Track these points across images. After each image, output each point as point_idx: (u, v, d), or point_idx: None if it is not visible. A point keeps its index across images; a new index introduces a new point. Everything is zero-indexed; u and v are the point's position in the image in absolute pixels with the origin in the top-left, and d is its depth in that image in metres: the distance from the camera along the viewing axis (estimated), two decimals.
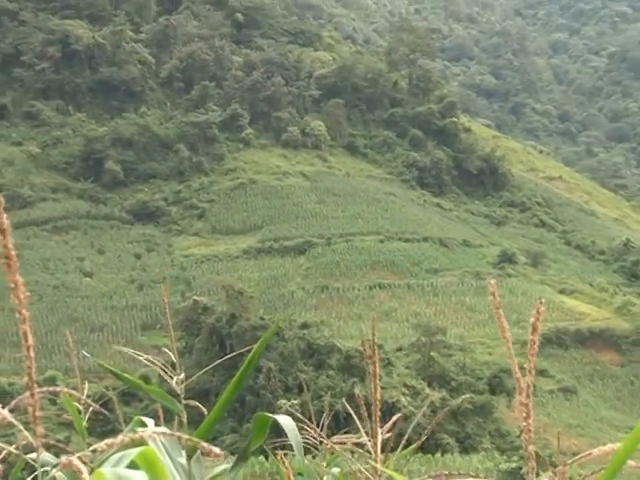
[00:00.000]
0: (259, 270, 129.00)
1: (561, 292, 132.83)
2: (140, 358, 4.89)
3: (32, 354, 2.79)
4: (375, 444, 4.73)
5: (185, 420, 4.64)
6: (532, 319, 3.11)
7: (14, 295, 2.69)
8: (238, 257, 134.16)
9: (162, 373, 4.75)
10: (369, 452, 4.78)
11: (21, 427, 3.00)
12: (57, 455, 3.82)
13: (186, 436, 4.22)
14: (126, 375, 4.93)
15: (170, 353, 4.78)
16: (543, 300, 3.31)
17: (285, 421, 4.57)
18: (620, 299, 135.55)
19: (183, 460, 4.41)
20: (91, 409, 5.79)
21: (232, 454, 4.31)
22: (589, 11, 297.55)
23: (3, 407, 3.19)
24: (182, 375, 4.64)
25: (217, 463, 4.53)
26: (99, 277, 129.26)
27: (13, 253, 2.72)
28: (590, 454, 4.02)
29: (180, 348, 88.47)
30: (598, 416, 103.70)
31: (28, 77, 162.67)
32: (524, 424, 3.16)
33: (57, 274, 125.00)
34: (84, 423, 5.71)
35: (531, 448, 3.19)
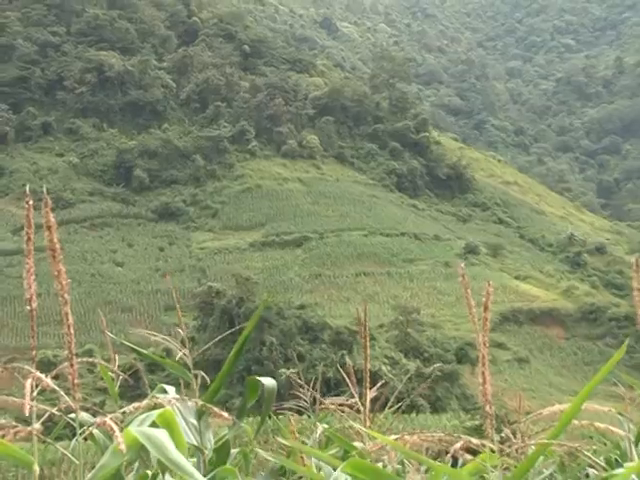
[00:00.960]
0: (263, 260, 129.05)
1: (516, 278, 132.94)
2: (157, 337, 4.90)
3: (72, 331, 2.79)
4: (364, 405, 4.74)
5: (196, 387, 4.64)
6: (484, 299, 3.11)
7: (57, 282, 2.69)
8: (245, 249, 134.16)
9: (175, 348, 4.76)
10: (358, 411, 4.78)
11: (62, 392, 3.00)
12: (94, 416, 3.81)
13: (194, 401, 4.24)
14: (142, 351, 4.95)
15: (181, 331, 4.78)
16: (492, 282, 3.31)
17: (267, 382, 4.62)
18: (565, 284, 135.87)
19: (194, 420, 4.42)
20: (122, 377, 5.80)
21: (237, 413, 4.30)
22: (539, 43, 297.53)
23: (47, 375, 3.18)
24: (187, 349, 4.65)
25: (227, 420, 4.52)
26: (129, 266, 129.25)
27: (57, 246, 2.72)
28: (541, 413, 4.02)
29: (197, 326, 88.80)
30: (547, 381, 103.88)
31: (69, 99, 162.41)
32: (482, 388, 3.15)
33: (94, 264, 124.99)
34: (116, 389, 5.72)
35: (489, 407, 3.18)
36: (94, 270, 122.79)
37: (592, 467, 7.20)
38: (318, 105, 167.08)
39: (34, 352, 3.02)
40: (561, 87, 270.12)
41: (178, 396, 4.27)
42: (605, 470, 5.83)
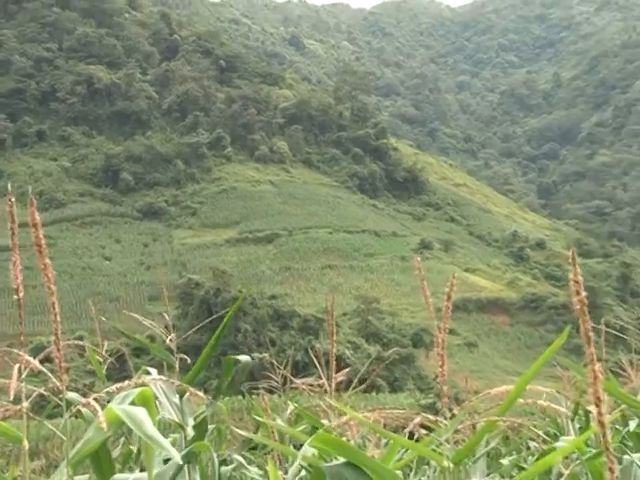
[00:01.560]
0: (238, 255, 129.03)
1: (466, 270, 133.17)
2: (145, 323, 4.89)
3: (58, 318, 2.78)
4: (330, 385, 4.74)
5: (178, 369, 4.65)
6: (447, 289, 3.11)
7: (44, 274, 2.67)
8: (222, 245, 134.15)
9: (160, 334, 4.76)
10: (325, 391, 4.78)
11: (49, 374, 2.97)
12: (84, 396, 3.78)
13: (176, 382, 4.23)
14: (132, 335, 4.95)
15: (166, 317, 4.78)
16: (456, 275, 3.30)
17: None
18: (509, 276, 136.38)
19: (176, 399, 4.41)
20: (109, 361, 5.79)
21: (214, 394, 4.30)
22: (486, 59, 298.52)
23: (34, 358, 3.16)
24: (173, 334, 4.67)
25: (202, 399, 4.52)
26: (116, 260, 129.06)
27: (43, 242, 2.71)
28: (489, 393, 4.01)
29: (177, 314, 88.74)
30: (493, 364, 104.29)
31: (61, 109, 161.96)
32: (439, 370, 3.14)
33: (84, 258, 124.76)
34: (104, 371, 5.70)
35: (445, 388, 3.17)
36: (84, 264, 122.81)
37: (533, 440, 7.22)
38: (287, 115, 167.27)
39: (22, 338, 3.01)
40: (505, 99, 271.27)
41: (163, 377, 4.31)
42: (545, 443, 5.85)
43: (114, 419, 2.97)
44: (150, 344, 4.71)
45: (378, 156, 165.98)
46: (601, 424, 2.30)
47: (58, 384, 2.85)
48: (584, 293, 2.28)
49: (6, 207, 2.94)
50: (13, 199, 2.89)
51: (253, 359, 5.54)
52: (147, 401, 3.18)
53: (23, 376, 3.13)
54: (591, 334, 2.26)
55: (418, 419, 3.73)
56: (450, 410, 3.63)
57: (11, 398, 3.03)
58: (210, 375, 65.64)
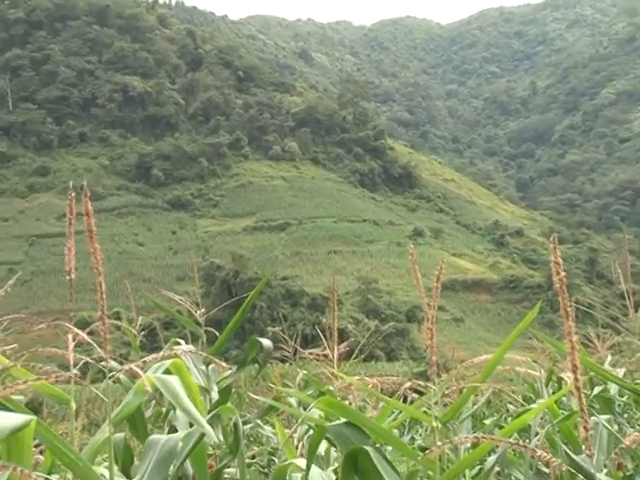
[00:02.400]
0: (254, 241, 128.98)
1: (453, 255, 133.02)
2: (175, 298, 4.92)
3: (104, 297, 2.79)
4: (334, 355, 4.76)
5: (204, 340, 4.68)
6: (436, 272, 3.14)
7: (93, 257, 2.69)
8: (240, 233, 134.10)
9: (187, 309, 4.80)
10: (330, 360, 4.80)
11: (95, 345, 2.99)
12: (120, 364, 3.80)
13: (203, 354, 4.25)
14: (168, 308, 4.98)
15: (197, 293, 4.81)
16: (445, 260, 3.33)
17: (265, 342, 4.64)
18: (491, 259, 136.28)
19: (203, 367, 4.43)
20: (142, 333, 5.81)
21: (236, 363, 4.30)
22: (471, 70, 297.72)
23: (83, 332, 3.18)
24: (202, 310, 4.70)
25: (226, 369, 4.55)
26: (148, 246, 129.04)
27: (94, 229, 2.73)
28: (472, 362, 4.03)
29: (201, 293, 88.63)
30: (477, 336, 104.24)
31: (100, 114, 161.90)
32: (429, 342, 3.15)
33: (120, 244, 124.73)
34: (137, 343, 5.73)
35: (434, 358, 3.19)
36: (121, 249, 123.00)
37: (511, 403, 7.23)
38: (297, 119, 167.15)
39: (72, 313, 3.03)
40: (488, 105, 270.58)
41: (193, 347, 4.38)
42: (522, 405, 5.86)
43: (150, 385, 2.99)
44: (182, 318, 4.75)
45: (377, 155, 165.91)
46: (577, 389, 2.31)
47: (103, 354, 2.87)
48: (563, 273, 2.30)
49: (64, 201, 2.95)
50: (73, 193, 2.90)
51: (268, 332, 5.56)
52: (180, 371, 3.20)
53: (72, 346, 3.16)
54: (569, 309, 2.28)
55: (408, 384, 3.77)
56: (439, 376, 3.64)
57: (72, 365, 3.05)
58: (230, 346, 65.72)
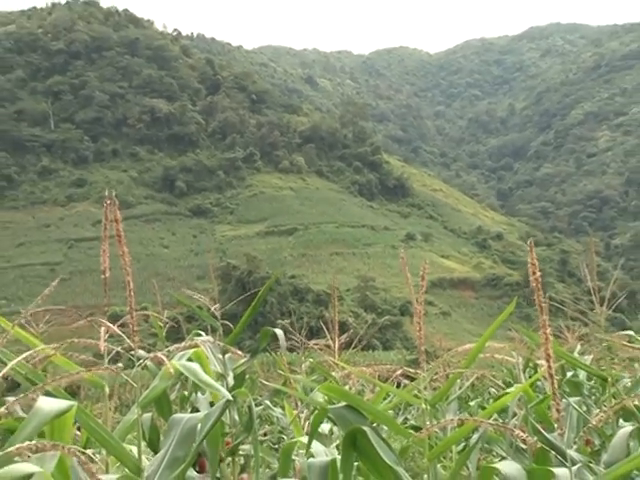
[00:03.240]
0: (265, 244, 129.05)
1: (441, 256, 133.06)
2: (195, 296, 4.94)
3: (132, 293, 2.79)
4: (335, 345, 4.77)
5: (221, 332, 4.70)
6: (421, 272, 3.16)
7: (122, 259, 2.70)
8: (253, 237, 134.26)
9: (206, 304, 4.82)
10: (332, 350, 4.80)
11: (124, 336, 2.99)
12: (148, 352, 3.80)
13: (221, 343, 4.25)
14: (189, 304, 5.00)
15: (215, 289, 4.83)
16: (433, 261, 3.35)
17: (278, 332, 4.65)
18: (475, 260, 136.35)
19: (220, 356, 4.44)
20: (167, 325, 5.83)
21: (249, 352, 4.30)
22: (456, 93, 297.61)
23: (113, 324, 3.19)
24: (217, 305, 4.72)
25: (241, 357, 4.55)
26: (172, 249, 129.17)
27: (122, 234, 2.73)
28: (457, 350, 4.03)
29: (219, 290, 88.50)
30: (463, 328, 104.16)
31: (131, 132, 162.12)
32: (418, 334, 3.16)
33: (148, 247, 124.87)
34: (163, 334, 5.74)
35: (423, 347, 3.19)
36: (148, 251, 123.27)
37: (493, 387, 7.22)
38: (303, 136, 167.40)
39: (105, 308, 3.04)
40: (471, 124, 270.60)
41: (211, 338, 4.49)
42: (502, 389, 5.86)
43: (175, 371, 3.00)
44: (201, 312, 4.77)
45: (373, 168, 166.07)
46: (550, 375, 2.31)
47: (131, 344, 2.88)
48: (539, 273, 2.30)
49: (99, 209, 3.00)
50: (109, 201, 2.92)
51: (278, 325, 5.55)
52: (200, 359, 3.23)
53: (105, 337, 3.16)
54: (543, 305, 2.28)
55: (399, 371, 3.77)
56: (428, 363, 3.64)
57: (103, 353, 3.06)
58: (244, 337, 65.85)
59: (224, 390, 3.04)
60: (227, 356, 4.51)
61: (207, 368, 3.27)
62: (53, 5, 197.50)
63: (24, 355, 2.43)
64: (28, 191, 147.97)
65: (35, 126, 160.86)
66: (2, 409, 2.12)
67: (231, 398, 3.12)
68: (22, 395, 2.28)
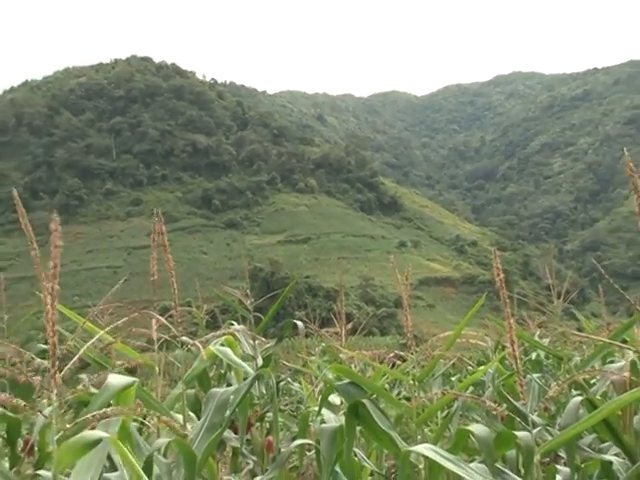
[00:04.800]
0: (285, 251, 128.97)
1: (428, 260, 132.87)
2: (234, 293, 4.95)
3: (176, 291, 2.79)
4: (342, 332, 4.77)
5: (252, 322, 4.70)
6: (405, 274, 3.20)
7: (167, 264, 2.70)
8: (275, 245, 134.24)
9: (241, 299, 4.81)
10: (340, 336, 4.80)
11: (170, 326, 2.99)
12: (191, 339, 3.80)
13: (250, 332, 4.24)
14: (227, 299, 5.01)
15: (247, 289, 4.82)
16: (410, 267, 3.37)
17: (299, 323, 4.65)
18: (455, 262, 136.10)
19: (251, 341, 4.44)
20: (207, 316, 5.83)
21: (273, 337, 4.32)
22: (439, 128, 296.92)
23: (162, 317, 3.19)
24: (251, 300, 4.72)
25: (267, 343, 4.55)
26: (209, 255, 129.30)
27: (167, 243, 2.73)
28: (440, 336, 4.02)
29: (248, 288, 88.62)
30: (445, 318, 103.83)
31: (176, 161, 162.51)
32: (406, 323, 3.16)
33: (190, 253, 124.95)
34: (203, 323, 5.75)
35: (410, 334, 3.19)
36: (190, 257, 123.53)
37: (470, 365, 7.19)
38: (315, 163, 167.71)
39: (155, 304, 3.04)
40: (451, 152, 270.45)
41: (244, 327, 4.44)
42: (477, 366, 5.85)
43: (211, 354, 3.01)
44: (237, 305, 4.79)
45: (372, 188, 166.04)
46: (514, 356, 2.29)
47: (175, 332, 2.88)
48: (502, 275, 2.30)
49: (153, 224, 2.98)
50: (161, 216, 2.93)
51: (295, 316, 5.53)
52: (231, 344, 3.23)
53: (156, 327, 3.16)
54: (508, 299, 2.28)
55: (392, 354, 3.81)
56: (417, 346, 3.65)
57: (155, 341, 3.06)
58: (269, 325, 65.86)
59: (247, 367, 3.07)
60: (257, 342, 4.52)
61: (236, 350, 3.27)
62: (116, 61, 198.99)
63: (91, 341, 2.44)
64: (95, 209, 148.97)
65: (101, 157, 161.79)
66: (80, 386, 2.12)
67: (253, 373, 3.14)
68: (96, 374, 2.32)
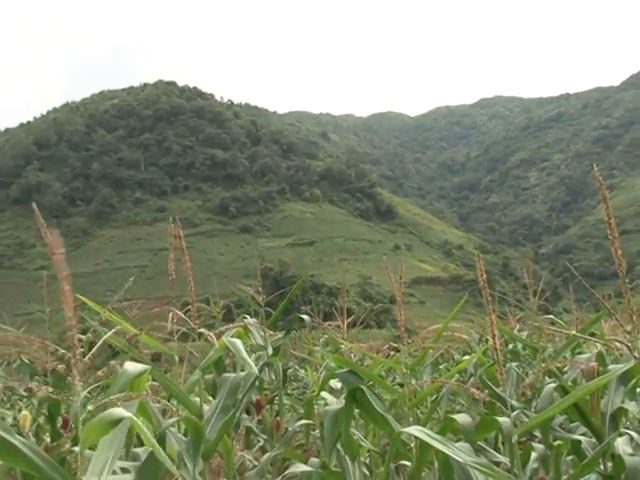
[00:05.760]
0: (293, 252, 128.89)
1: (419, 261, 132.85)
2: (246, 289, 4.94)
3: (193, 288, 2.79)
4: (344, 326, 4.77)
5: (264, 316, 4.69)
6: (399, 273, 3.19)
7: (185, 265, 2.70)
8: (284, 247, 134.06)
9: (254, 295, 4.80)
10: (341, 329, 4.80)
11: (187, 319, 2.99)
12: (209, 330, 3.79)
13: (260, 326, 4.23)
14: (242, 295, 5.00)
15: (260, 286, 4.80)
16: (403, 267, 3.36)
17: (306, 317, 4.66)
18: (443, 264, 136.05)
19: (262, 333, 4.44)
20: (223, 310, 5.83)
21: (282, 330, 4.33)
22: (430, 145, 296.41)
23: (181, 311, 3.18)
24: (263, 296, 4.71)
25: (276, 334, 4.54)
26: (226, 256, 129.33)
27: (184, 246, 2.73)
28: (429, 329, 4.00)
29: (260, 286, 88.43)
30: (434, 313, 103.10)
31: (197, 173, 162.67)
32: (399, 317, 3.14)
33: (208, 254, 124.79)
34: (220, 316, 5.74)
35: (403, 328, 3.18)
36: (209, 257, 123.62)
37: (456, 356, 7.17)
38: (320, 175, 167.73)
39: (173, 300, 3.05)
40: (440, 167, 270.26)
41: (256, 320, 4.46)
42: (462, 356, 5.83)
43: (224, 344, 3.00)
44: (250, 301, 4.78)
45: (370, 198, 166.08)
46: (495, 348, 2.28)
47: (193, 325, 2.88)
48: (485, 275, 2.29)
49: (172, 228, 2.99)
50: (179, 223, 2.94)
51: (302, 311, 5.52)
52: (241, 335, 3.22)
53: (174, 320, 3.15)
54: (489, 297, 2.26)
55: (386, 346, 3.81)
56: (409, 338, 3.64)
57: (173, 331, 3.05)
58: (278, 319, 66.01)
59: (251, 363, 3.05)
60: (267, 334, 4.51)
61: (246, 340, 3.28)
62: (145, 84, 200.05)
63: (110, 332, 2.44)
64: (125, 215, 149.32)
65: (130, 169, 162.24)
66: (99, 372, 2.13)
67: (254, 368, 3.13)
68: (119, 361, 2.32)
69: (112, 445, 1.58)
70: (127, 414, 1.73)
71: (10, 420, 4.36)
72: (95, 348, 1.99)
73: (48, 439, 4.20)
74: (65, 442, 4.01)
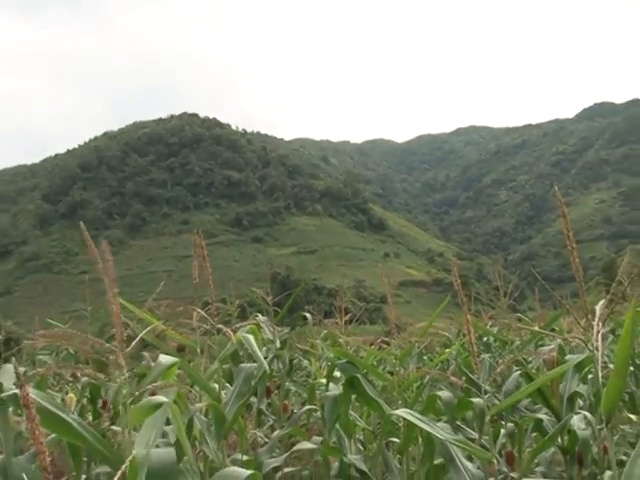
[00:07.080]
0: (297, 259, 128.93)
1: (406, 267, 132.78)
2: (256, 291, 4.93)
3: (213, 290, 2.80)
4: (342, 322, 4.76)
5: (272, 314, 4.68)
6: (389, 277, 3.15)
7: (206, 270, 2.71)
8: (289, 255, 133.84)
9: (264, 296, 4.79)
10: (340, 325, 4.80)
11: (208, 317, 3.00)
12: (226, 326, 3.78)
13: (269, 322, 4.22)
14: (254, 296, 5.00)
15: (268, 290, 4.80)
16: (387, 276, 3.37)
17: (308, 316, 4.66)
18: (426, 269, 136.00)
19: (271, 329, 4.44)
20: (238, 309, 5.80)
21: (288, 326, 4.33)
22: (414, 167, 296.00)
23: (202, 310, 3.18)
24: (271, 297, 4.70)
25: (283, 330, 4.53)
26: (240, 262, 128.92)
27: (206, 254, 2.73)
28: (415, 326, 4.00)
29: (269, 288, 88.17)
30: (419, 312, 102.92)
31: (215, 191, 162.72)
32: (390, 315, 3.15)
33: (225, 261, 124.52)
34: (235, 314, 5.72)
35: (393, 324, 3.18)
36: (226, 263, 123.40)
37: (438, 347, 7.15)
38: (321, 193, 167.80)
39: (196, 300, 3.05)
40: (423, 186, 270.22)
41: (266, 318, 4.46)
42: (444, 349, 5.82)
43: (239, 340, 3.01)
44: (261, 301, 4.78)
45: (364, 212, 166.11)
46: (470, 342, 2.27)
47: (212, 322, 2.88)
48: (460, 279, 2.30)
49: (195, 239, 2.99)
50: (201, 234, 2.95)
51: (305, 310, 5.51)
52: (254, 331, 3.22)
53: (197, 318, 3.16)
54: (465, 299, 2.27)
55: (379, 340, 3.81)
56: (398, 334, 3.63)
57: (197, 329, 3.05)
58: (285, 317, 65.82)
59: (264, 360, 3.06)
60: (276, 329, 4.51)
61: (258, 336, 3.27)
62: (171, 116, 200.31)
63: (148, 328, 2.45)
64: (155, 227, 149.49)
65: (159, 188, 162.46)
66: (144, 362, 2.15)
67: (266, 367, 3.14)
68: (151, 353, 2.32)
69: (155, 425, 1.59)
70: (167, 400, 1.75)
71: (59, 401, 4.40)
72: (134, 342, 2.00)
73: (90, 418, 4.25)
74: (105, 421, 4.07)
